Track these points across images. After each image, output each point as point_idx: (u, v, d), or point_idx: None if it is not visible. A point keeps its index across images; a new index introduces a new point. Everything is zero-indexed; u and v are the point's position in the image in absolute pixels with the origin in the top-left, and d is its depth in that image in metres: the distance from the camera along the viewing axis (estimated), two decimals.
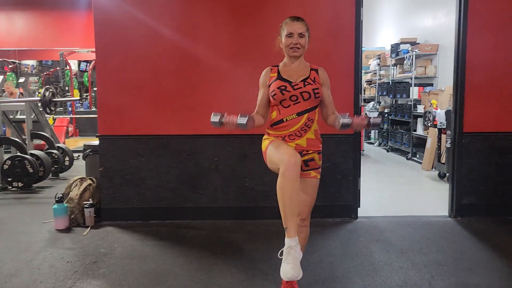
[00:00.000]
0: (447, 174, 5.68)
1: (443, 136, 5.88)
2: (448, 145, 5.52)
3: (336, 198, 3.91)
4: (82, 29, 9.67)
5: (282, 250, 2.09)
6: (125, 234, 3.58)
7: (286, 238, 2.09)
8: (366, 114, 2.27)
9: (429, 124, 5.69)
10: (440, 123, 5.59)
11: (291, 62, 2.38)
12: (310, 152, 2.34)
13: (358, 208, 3.97)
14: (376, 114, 8.79)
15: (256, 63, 3.84)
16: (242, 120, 2.19)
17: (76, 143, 10.18)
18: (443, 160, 5.80)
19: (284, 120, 2.32)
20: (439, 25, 7.68)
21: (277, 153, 2.15)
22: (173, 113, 3.86)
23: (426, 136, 6.75)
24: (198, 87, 3.85)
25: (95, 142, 4.09)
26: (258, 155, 3.86)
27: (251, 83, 3.83)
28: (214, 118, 2.23)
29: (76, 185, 3.94)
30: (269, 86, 2.36)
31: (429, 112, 5.63)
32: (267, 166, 2.37)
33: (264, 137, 2.44)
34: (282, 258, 2.08)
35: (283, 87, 2.30)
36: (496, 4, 3.78)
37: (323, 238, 3.46)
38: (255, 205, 3.91)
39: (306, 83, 2.31)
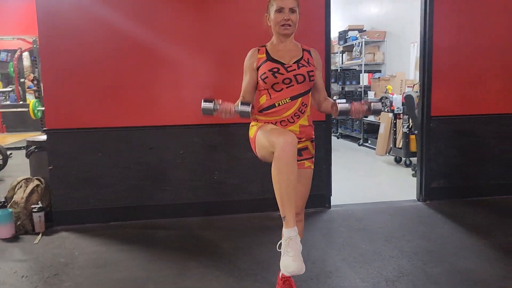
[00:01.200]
0: (403, 159, 5.80)
1: (399, 121, 5.99)
2: (405, 130, 5.62)
3: (311, 187, 3.76)
4: None
5: (281, 243, 1.90)
6: (84, 239, 3.18)
7: (284, 229, 1.89)
8: (366, 99, 2.14)
9: (385, 110, 5.75)
10: (397, 108, 5.66)
11: (281, 41, 2.16)
12: (303, 139, 2.15)
13: (330, 197, 3.87)
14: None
15: (221, 47, 3.60)
16: (246, 108, 1.94)
17: (4, 139, 9.24)
18: (399, 145, 5.91)
19: (276, 104, 2.10)
20: (386, 12, 7.82)
21: (269, 136, 1.93)
22: (133, 103, 3.49)
23: (378, 122, 6.86)
24: (161, 74, 3.50)
25: (41, 137, 3.61)
26: (227, 146, 3.64)
27: (217, 69, 3.59)
28: (206, 105, 1.97)
29: (21, 186, 3.45)
30: (258, 69, 2.12)
31: (386, 98, 5.69)
32: (256, 156, 2.15)
33: (252, 123, 2.21)
34: (281, 252, 1.89)
35: (275, 69, 2.07)
36: None
37: (310, 231, 3.31)
38: (226, 200, 3.67)
39: (300, 65, 2.11)
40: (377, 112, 2.11)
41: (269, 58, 2.11)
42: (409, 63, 6.75)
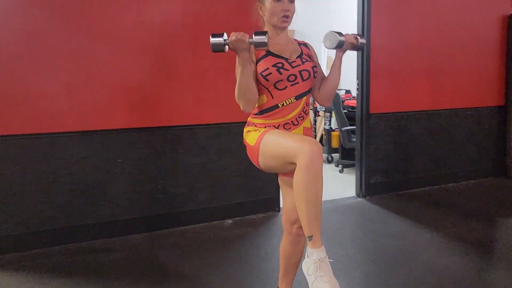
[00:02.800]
0: (325, 155, 5.92)
1: (319, 118, 6.10)
2: (327, 127, 5.74)
3: (260, 192, 3.57)
4: None
5: (309, 266, 1.66)
6: None
7: (311, 249, 1.64)
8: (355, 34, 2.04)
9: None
10: (320, 105, 5.75)
11: (277, 33, 1.92)
12: None
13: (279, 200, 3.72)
14: None
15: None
16: (262, 38, 1.69)
17: None
18: (320, 141, 6.02)
19: (280, 105, 1.85)
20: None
21: (288, 143, 1.67)
22: (59, 103, 2.89)
23: None
24: (100, 66, 2.96)
25: None
26: (173, 151, 3.23)
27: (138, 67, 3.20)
28: (216, 40, 1.73)
29: None
30: (257, 64, 1.85)
31: None
32: (258, 166, 1.87)
33: (248, 129, 1.93)
34: (310, 276, 1.65)
35: (280, 65, 1.82)
36: None
37: (262, 239, 3.09)
38: (173, 211, 3.27)
39: (303, 60, 1.89)
40: (362, 47, 1.98)
41: (269, 52, 1.85)
42: (320, 62, 6.92)
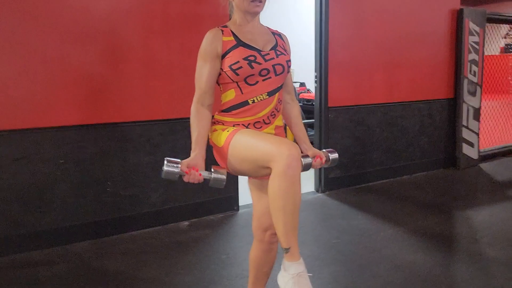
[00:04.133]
0: None
1: None
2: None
3: (218, 190, 3.36)
4: None
5: (286, 281, 1.49)
6: None
7: (288, 262, 1.47)
8: (323, 151, 1.87)
9: None
10: None
11: (247, 21, 1.71)
12: None
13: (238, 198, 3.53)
14: None
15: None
16: (221, 176, 1.55)
17: None
18: None
19: (250, 102, 1.66)
20: None
21: (262, 145, 1.49)
22: None
23: None
24: (37, 54, 2.61)
25: None
26: (122, 150, 2.94)
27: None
28: (170, 168, 1.50)
29: None
30: (224, 56, 1.64)
31: None
32: (224, 165, 1.68)
33: (215, 127, 1.73)
34: None
35: (251, 58, 1.63)
36: None
37: (222, 241, 2.91)
38: (122, 215, 2.99)
39: (277, 52, 1.70)
40: (335, 162, 1.86)
41: (240, 43, 1.65)
42: None
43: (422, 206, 3.54)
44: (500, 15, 5.00)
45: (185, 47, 3.07)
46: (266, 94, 1.67)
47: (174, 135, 3.10)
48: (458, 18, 4.56)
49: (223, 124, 1.70)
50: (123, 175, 2.96)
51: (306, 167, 1.72)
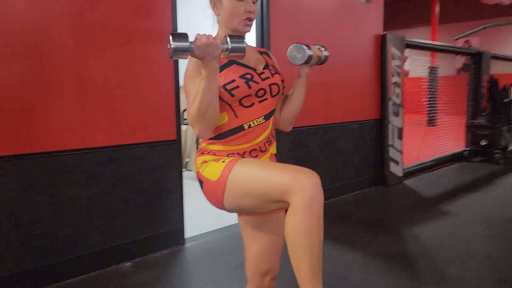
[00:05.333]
0: None
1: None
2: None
3: (162, 224, 3.02)
4: None
5: None
6: None
7: None
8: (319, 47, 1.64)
9: (186, 123, 5.37)
10: None
11: None
12: None
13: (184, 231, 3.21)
14: None
15: None
16: (239, 43, 1.30)
17: None
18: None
19: (246, 126, 1.47)
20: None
21: (275, 176, 1.31)
22: None
23: None
24: None
25: None
26: (53, 183, 2.49)
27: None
28: (179, 43, 1.22)
29: None
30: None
31: (185, 110, 5.30)
32: (219, 206, 1.45)
33: (204, 158, 1.49)
34: None
35: (248, 76, 1.45)
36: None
37: (172, 282, 2.59)
38: (55, 261, 2.52)
39: (272, 71, 1.54)
40: (326, 60, 1.66)
41: (233, 60, 1.45)
42: None
43: (370, 225, 3.55)
44: (415, 42, 5.40)
45: (126, 65, 2.75)
46: (263, 117, 1.49)
47: (114, 163, 2.72)
48: (382, 43, 4.81)
49: (214, 154, 1.47)
50: (54, 213, 2.50)
51: (309, 58, 1.54)
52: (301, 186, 1.23)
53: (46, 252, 2.48)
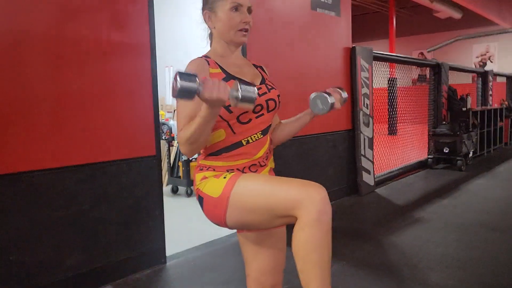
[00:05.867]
0: (183, 188, 5.44)
1: (173, 148, 5.60)
2: (185, 158, 5.29)
3: (143, 243, 2.91)
4: None
5: None
6: None
7: None
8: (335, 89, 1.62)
9: (163, 137, 5.25)
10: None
11: (231, 51, 1.54)
12: None
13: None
14: None
15: None
16: (250, 90, 1.21)
17: None
18: (176, 174, 5.52)
19: (244, 142, 1.45)
20: None
21: (282, 189, 1.29)
22: None
23: None
24: None
25: None
26: (27, 204, 2.34)
27: None
28: (187, 83, 1.13)
29: None
30: None
31: (163, 124, 5.19)
32: (219, 223, 1.41)
33: (204, 174, 1.45)
34: None
35: None
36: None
37: None
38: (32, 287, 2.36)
39: (268, 86, 1.53)
40: (344, 102, 1.68)
41: (230, 76, 1.43)
42: (165, 88, 6.47)
43: (349, 235, 3.58)
44: (381, 54, 5.57)
45: (102, 80, 2.65)
46: (260, 133, 1.47)
47: (93, 181, 2.61)
48: (351, 55, 4.93)
49: (214, 170, 1.43)
50: (30, 237, 2.35)
51: (332, 106, 1.56)
52: (310, 200, 1.22)
53: (22, 280, 2.32)
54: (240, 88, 1.19)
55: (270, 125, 1.54)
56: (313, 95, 1.57)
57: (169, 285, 2.78)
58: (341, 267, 2.91)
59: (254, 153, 1.45)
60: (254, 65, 1.61)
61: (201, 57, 1.46)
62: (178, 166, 5.50)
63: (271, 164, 1.56)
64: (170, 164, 5.61)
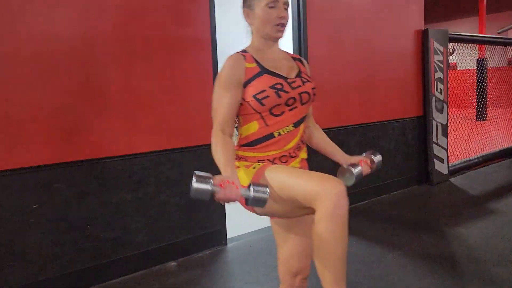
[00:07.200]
0: None
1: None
2: None
3: (205, 225, 3.13)
4: None
5: None
6: None
7: None
8: (368, 154, 1.72)
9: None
10: None
11: (269, 46, 1.61)
12: None
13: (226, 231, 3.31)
14: None
15: None
16: (262, 194, 1.29)
17: None
18: None
19: (276, 134, 1.52)
20: None
21: (302, 183, 1.35)
22: None
23: None
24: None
25: None
26: (102, 189, 2.65)
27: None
28: (201, 185, 1.25)
29: None
30: (247, 84, 1.49)
31: None
32: (250, 210, 1.51)
33: (237, 164, 1.56)
34: None
35: (278, 86, 1.50)
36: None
37: (214, 282, 2.68)
38: (104, 262, 2.68)
39: (303, 79, 1.59)
40: (379, 166, 1.77)
41: (265, 70, 1.51)
42: None
43: (411, 225, 3.50)
44: (459, 35, 5.22)
45: (168, 74, 2.87)
46: (292, 125, 1.53)
47: (159, 168, 2.86)
48: (423, 38, 4.69)
49: (246, 160, 1.53)
50: (104, 216, 2.66)
51: (358, 177, 1.64)
52: (327, 194, 1.27)
53: (97, 253, 2.64)
54: (253, 189, 1.28)
55: (304, 117, 1.59)
56: (341, 169, 1.68)
57: (228, 265, 2.97)
58: (395, 257, 2.89)
59: (284, 145, 1.53)
60: (293, 58, 1.67)
61: (239, 52, 1.56)
62: None
63: (303, 155, 1.62)
64: None
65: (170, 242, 2.95)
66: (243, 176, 1.49)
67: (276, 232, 1.68)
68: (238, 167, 1.53)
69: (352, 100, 4.08)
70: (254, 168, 1.48)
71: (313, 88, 1.59)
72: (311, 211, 1.35)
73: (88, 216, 2.61)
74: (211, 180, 1.26)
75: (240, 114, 1.54)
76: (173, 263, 2.95)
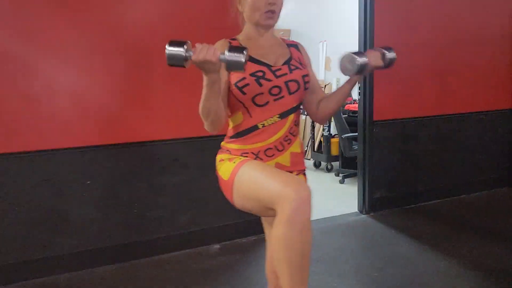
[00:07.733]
0: (323, 163, 5.52)
1: (318, 124, 5.69)
2: (326, 133, 5.33)
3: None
4: None
5: None
6: None
7: None
8: (379, 48, 1.52)
9: (305, 113, 5.40)
10: None
11: (260, 34, 1.53)
12: (294, 174, 1.53)
13: None
14: None
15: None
16: (238, 56, 1.21)
17: None
18: (319, 149, 5.62)
19: (260, 126, 1.46)
20: (289, 10, 7.53)
21: (268, 184, 1.29)
22: (15, 118, 2.49)
23: None
24: (61, 73, 2.56)
25: None
26: (148, 170, 2.81)
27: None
28: (174, 50, 1.21)
29: None
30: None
31: None
32: (231, 201, 1.48)
33: (221, 157, 1.53)
34: None
35: (260, 74, 1.43)
36: None
37: (252, 269, 2.69)
38: (149, 238, 2.86)
39: (291, 67, 1.49)
40: (392, 63, 1.53)
41: (250, 58, 1.45)
42: (318, 63, 6.53)
43: (482, 233, 3.12)
44: None
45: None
46: (278, 116, 1.45)
47: (203, 153, 2.93)
48: None
49: (229, 152, 1.50)
50: (150, 196, 2.83)
51: (362, 67, 1.45)
52: (286, 198, 1.20)
53: (142, 229, 2.83)
54: (227, 53, 1.22)
55: (296, 107, 1.50)
56: (342, 56, 1.48)
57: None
58: (447, 265, 2.61)
59: (268, 137, 1.46)
60: (288, 44, 1.58)
61: (226, 39, 1.52)
62: (320, 141, 5.57)
63: (294, 148, 1.52)
64: (314, 139, 5.72)
65: (213, 226, 3.03)
66: (225, 170, 1.46)
67: (265, 229, 1.64)
68: (223, 159, 1.51)
69: (426, 88, 3.72)
70: (234, 162, 1.44)
71: (304, 76, 1.49)
72: (275, 213, 1.28)
73: (135, 195, 2.80)
74: (185, 44, 1.22)
75: (228, 104, 1.50)
76: (216, 246, 3.03)
